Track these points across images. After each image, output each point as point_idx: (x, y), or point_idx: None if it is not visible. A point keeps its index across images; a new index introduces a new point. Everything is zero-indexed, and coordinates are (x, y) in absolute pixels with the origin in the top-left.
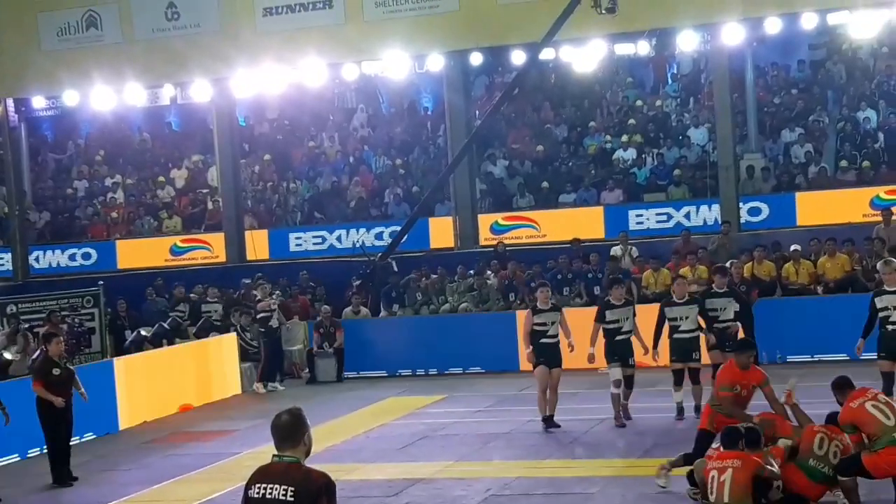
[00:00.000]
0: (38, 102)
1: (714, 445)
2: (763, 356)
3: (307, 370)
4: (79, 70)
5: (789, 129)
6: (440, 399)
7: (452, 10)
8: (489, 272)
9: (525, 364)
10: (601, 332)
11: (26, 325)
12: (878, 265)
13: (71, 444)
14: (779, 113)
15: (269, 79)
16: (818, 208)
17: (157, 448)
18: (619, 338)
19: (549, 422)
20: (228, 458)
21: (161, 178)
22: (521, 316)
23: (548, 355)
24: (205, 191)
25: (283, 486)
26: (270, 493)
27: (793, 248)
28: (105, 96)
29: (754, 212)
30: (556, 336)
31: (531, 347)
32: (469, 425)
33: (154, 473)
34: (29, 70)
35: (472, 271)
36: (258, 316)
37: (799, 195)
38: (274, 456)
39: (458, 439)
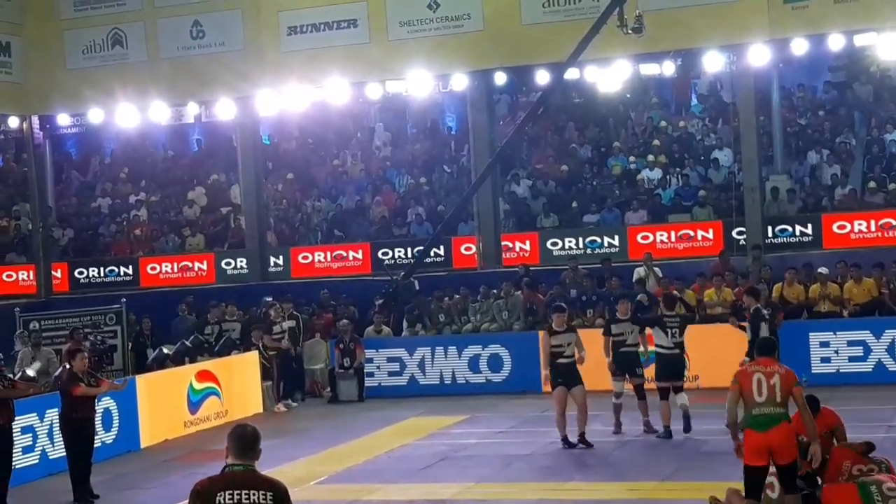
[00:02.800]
0: (63, 120)
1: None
2: None
3: (329, 389)
4: (103, 88)
5: (815, 151)
6: (462, 419)
7: (477, 29)
8: (516, 292)
9: (548, 385)
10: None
11: (48, 342)
12: None
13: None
14: (805, 134)
15: (293, 97)
16: (845, 231)
17: (179, 466)
18: (623, 349)
19: (582, 439)
20: None
21: (189, 196)
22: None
23: (565, 375)
24: (228, 209)
25: (260, 492)
26: (248, 499)
27: (819, 270)
28: (129, 114)
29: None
30: (572, 356)
31: (549, 369)
32: (491, 446)
33: (175, 492)
34: (54, 88)
35: (494, 290)
36: (273, 336)
37: (825, 217)
38: (234, 465)
39: (479, 460)
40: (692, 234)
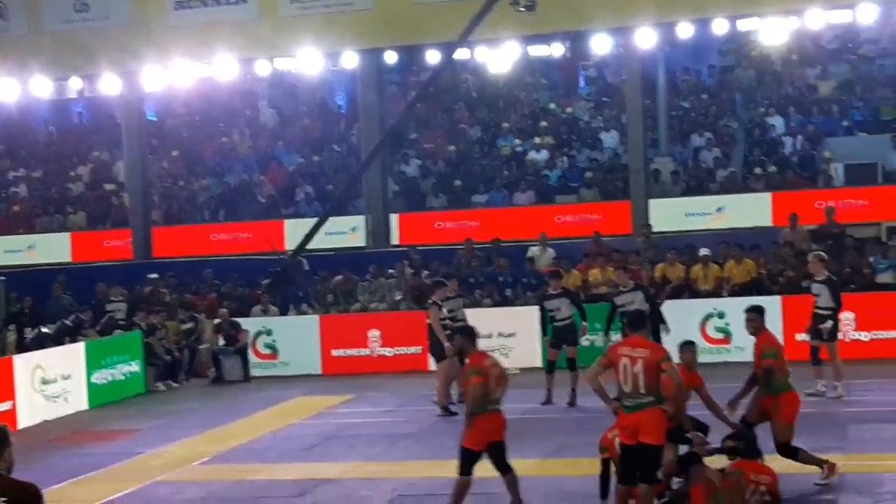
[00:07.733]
0: None
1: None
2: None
3: (213, 369)
4: None
5: (698, 134)
6: (349, 399)
7: (367, 7)
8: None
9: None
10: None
11: None
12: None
13: None
14: (689, 117)
15: (180, 73)
16: (728, 212)
17: (60, 447)
18: (557, 324)
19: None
20: (131, 457)
21: (71, 173)
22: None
23: None
24: (112, 186)
25: None
26: None
27: (702, 251)
28: (9, 88)
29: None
30: (464, 321)
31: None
32: (377, 425)
33: (55, 473)
34: None
35: (390, 270)
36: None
37: (709, 199)
38: None
39: (366, 439)
40: (591, 215)
